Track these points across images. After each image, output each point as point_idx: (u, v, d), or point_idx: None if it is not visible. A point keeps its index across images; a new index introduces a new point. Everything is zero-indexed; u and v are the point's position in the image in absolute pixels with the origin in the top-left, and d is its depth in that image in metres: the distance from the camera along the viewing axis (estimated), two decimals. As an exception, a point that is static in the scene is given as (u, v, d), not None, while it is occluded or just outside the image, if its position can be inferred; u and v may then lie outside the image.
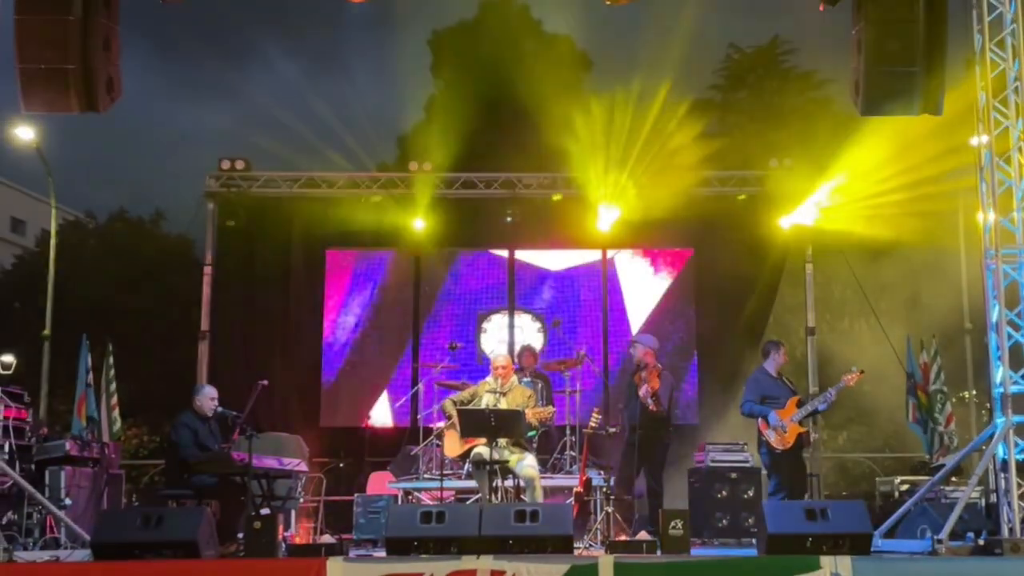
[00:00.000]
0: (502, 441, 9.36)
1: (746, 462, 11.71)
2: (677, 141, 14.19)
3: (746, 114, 14.27)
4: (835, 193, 13.89)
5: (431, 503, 10.46)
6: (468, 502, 10.46)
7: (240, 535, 8.61)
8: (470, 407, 9.67)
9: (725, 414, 12.86)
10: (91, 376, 13.31)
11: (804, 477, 10.39)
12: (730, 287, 14.56)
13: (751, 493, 11.46)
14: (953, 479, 10.40)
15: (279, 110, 13.50)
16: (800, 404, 10.19)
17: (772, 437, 10.15)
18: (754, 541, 9.21)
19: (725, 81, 22.64)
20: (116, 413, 13.58)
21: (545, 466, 11.14)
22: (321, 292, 15.06)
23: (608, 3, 9.29)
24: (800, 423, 10.09)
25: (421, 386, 13.24)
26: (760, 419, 10.29)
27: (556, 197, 14.54)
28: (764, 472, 10.94)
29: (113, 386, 13.65)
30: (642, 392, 10.06)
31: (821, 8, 9.39)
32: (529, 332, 14.80)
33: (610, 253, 15.07)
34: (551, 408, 10.38)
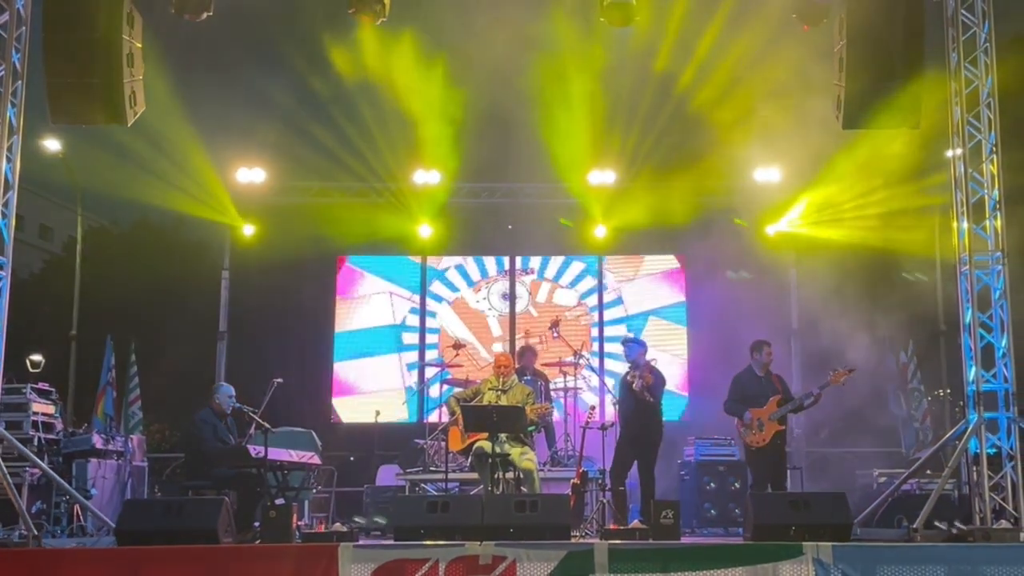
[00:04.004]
0: (503, 436, 9.37)
1: (733, 456, 11.71)
2: (669, 153, 14.21)
3: (733, 126, 14.30)
4: (818, 202, 13.96)
5: (436, 494, 10.47)
6: (471, 493, 10.47)
7: (256, 524, 8.65)
8: (473, 404, 9.68)
9: (713, 410, 12.85)
10: (113, 374, 13.35)
11: (784, 473, 10.30)
12: (717, 290, 14.62)
13: (738, 485, 11.47)
14: (928, 472, 10.39)
15: (294, 121, 13.43)
16: (781, 403, 10.12)
17: (747, 435, 10.11)
18: (741, 530, 9.22)
19: (712, 94, 22.60)
20: (136, 407, 13.63)
21: (543, 460, 11.15)
22: (332, 295, 15.13)
23: (616, 27, 9.35)
24: (779, 421, 10.02)
25: (427, 384, 13.26)
26: (736, 418, 10.27)
27: (565, 222, 14.78)
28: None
29: (135, 382, 13.71)
30: (637, 386, 10.06)
31: (805, 28, 9.43)
32: (528, 332, 14.83)
33: (605, 259, 15.21)
34: (548, 404, 10.40)
